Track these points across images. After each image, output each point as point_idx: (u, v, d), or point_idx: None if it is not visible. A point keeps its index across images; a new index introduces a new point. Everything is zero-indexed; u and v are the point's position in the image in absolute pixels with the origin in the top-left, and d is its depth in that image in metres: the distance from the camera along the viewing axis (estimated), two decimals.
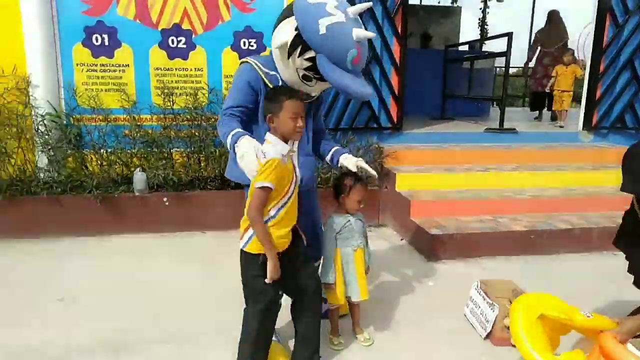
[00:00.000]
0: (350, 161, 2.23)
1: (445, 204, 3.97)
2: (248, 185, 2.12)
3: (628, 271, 2.18)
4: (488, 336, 2.39)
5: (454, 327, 2.55)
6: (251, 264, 1.89)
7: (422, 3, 10.95)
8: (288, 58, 1.99)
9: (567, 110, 6.21)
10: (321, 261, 2.34)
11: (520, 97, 12.39)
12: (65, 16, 4.01)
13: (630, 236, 2.11)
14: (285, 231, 1.91)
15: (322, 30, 1.86)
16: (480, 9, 11.57)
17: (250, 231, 1.88)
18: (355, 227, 2.24)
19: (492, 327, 2.35)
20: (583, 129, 5.42)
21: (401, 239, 4.00)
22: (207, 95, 4.26)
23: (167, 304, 2.77)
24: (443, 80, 6.73)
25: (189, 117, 4.18)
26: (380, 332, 2.48)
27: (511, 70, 7.63)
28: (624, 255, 2.20)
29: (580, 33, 7.33)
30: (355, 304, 2.33)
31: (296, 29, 1.92)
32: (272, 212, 1.87)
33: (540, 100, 7.27)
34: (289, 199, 1.90)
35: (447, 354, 2.32)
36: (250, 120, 2.12)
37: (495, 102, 8.59)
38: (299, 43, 1.92)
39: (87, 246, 3.71)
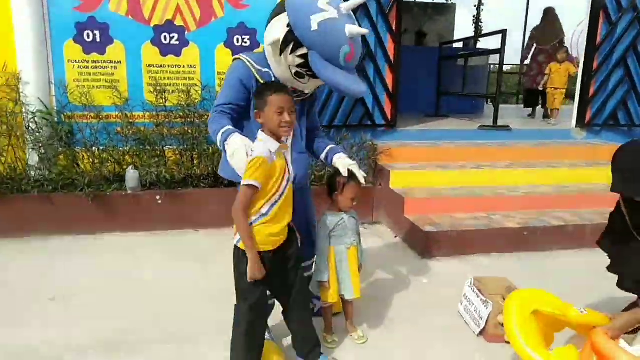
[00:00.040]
0: (342, 162, 2.20)
1: (439, 201, 3.97)
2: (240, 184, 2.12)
3: (610, 270, 2.17)
4: (481, 333, 2.40)
5: (448, 324, 2.55)
6: (242, 260, 1.88)
7: (417, 0, 10.92)
8: (280, 55, 1.96)
9: (558, 109, 6.22)
10: (314, 259, 2.33)
11: (514, 95, 12.44)
12: (56, 12, 3.96)
13: (617, 234, 2.11)
14: (279, 229, 1.90)
15: (314, 27, 1.83)
16: (475, 6, 11.58)
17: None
18: (349, 225, 2.23)
19: (486, 324, 2.36)
20: (576, 126, 5.44)
21: (395, 236, 4.00)
22: (200, 92, 4.23)
23: (164, 303, 2.75)
24: (437, 78, 6.73)
25: (181, 114, 4.15)
26: (374, 329, 2.47)
27: (505, 68, 7.63)
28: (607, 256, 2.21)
29: (574, 31, 7.35)
30: (348, 302, 2.32)
31: (288, 25, 1.89)
32: (264, 210, 1.85)
33: (534, 98, 7.30)
34: (281, 196, 1.88)
35: (441, 351, 2.32)
36: (242, 117, 2.10)
37: (489, 100, 8.62)
38: (291, 40, 1.90)
39: (79, 245, 3.67)
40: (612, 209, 2.19)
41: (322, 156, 2.33)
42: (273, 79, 2.06)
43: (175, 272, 3.18)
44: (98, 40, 4.07)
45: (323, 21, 1.84)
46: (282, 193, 1.89)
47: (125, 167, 4.06)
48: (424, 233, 3.51)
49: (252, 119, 2.08)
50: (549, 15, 6.99)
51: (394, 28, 4.64)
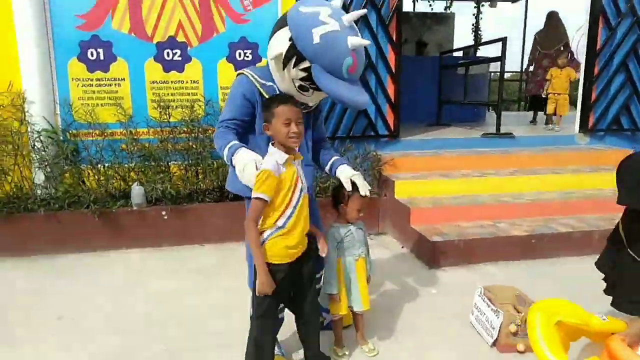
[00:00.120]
0: (345, 174, 2.19)
1: (444, 210, 3.96)
2: (249, 198, 2.12)
3: (607, 293, 2.15)
4: (494, 343, 2.37)
5: (459, 335, 2.53)
6: (255, 272, 1.89)
7: (416, 10, 11.01)
8: (283, 69, 1.96)
9: (561, 116, 6.20)
10: (322, 271, 2.32)
11: (515, 102, 12.46)
12: (60, 32, 4.01)
13: (614, 252, 2.09)
14: (295, 241, 1.90)
15: (316, 40, 1.84)
16: (474, 14, 11.65)
17: (262, 238, 1.88)
18: (357, 236, 2.22)
19: (498, 333, 2.33)
20: (579, 131, 5.44)
21: (402, 247, 3.98)
22: (203, 107, 4.25)
23: (170, 318, 2.73)
24: (438, 87, 6.75)
25: (185, 129, 4.17)
26: (385, 341, 2.45)
27: (505, 75, 7.62)
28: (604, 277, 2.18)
29: (573, 36, 7.32)
30: (358, 314, 2.30)
31: (290, 39, 1.90)
32: (279, 223, 1.86)
33: (538, 103, 7.23)
34: (295, 207, 1.88)
35: None
36: (247, 131, 2.11)
37: (490, 107, 8.62)
38: (294, 53, 1.90)
39: (85, 262, 3.67)
40: (619, 214, 2.17)
41: (327, 168, 2.33)
42: (277, 93, 2.07)
43: (182, 288, 3.17)
44: (102, 58, 4.11)
45: (325, 34, 1.84)
46: (297, 204, 1.89)
47: (130, 183, 4.07)
48: (431, 243, 3.49)
49: (257, 132, 2.09)
50: (552, 19, 6.92)
51: (394, 38, 4.67)
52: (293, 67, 1.93)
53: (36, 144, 3.96)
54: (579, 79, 5.61)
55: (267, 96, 2.05)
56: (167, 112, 4.18)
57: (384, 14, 4.58)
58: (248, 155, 1.90)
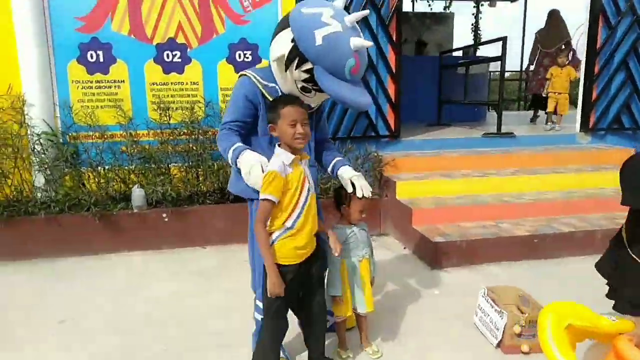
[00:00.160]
0: (345, 176, 2.18)
1: (446, 210, 3.94)
2: (251, 199, 2.12)
3: (608, 296, 2.13)
4: (499, 344, 2.36)
5: (462, 336, 2.52)
6: (264, 273, 1.91)
7: (415, 10, 11.00)
8: (286, 70, 1.95)
9: (562, 115, 6.17)
10: (326, 273, 2.31)
11: (515, 101, 12.45)
12: (60, 34, 3.99)
13: (615, 254, 2.07)
14: (304, 241, 1.90)
15: (319, 41, 1.82)
16: (473, 14, 11.65)
17: (271, 239, 1.88)
18: (360, 237, 2.21)
19: (502, 334, 2.32)
20: (580, 130, 5.43)
21: (404, 248, 3.97)
22: (203, 108, 4.24)
23: (170, 319, 2.73)
24: (438, 87, 6.74)
25: (186, 131, 4.16)
26: (388, 343, 2.44)
27: (505, 75, 7.59)
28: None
29: (573, 33, 7.25)
30: (362, 316, 2.29)
31: (292, 40, 1.88)
32: (288, 223, 1.87)
33: (539, 102, 7.17)
34: (303, 207, 1.88)
35: None
36: (250, 133, 2.10)
37: (489, 107, 8.60)
38: (296, 55, 1.89)
39: (86, 265, 3.66)
40: (621, 213, 2.15)
41: (329, 169, 2.32)
42: (280, 94, 2.06)
43: (182, 290, 3.15)
44: (101, 60, 4.09)
45: (327, 35, 1.83)
46: (304, 204, 1.89)
47: (130, 185, 4.06)
48: (433, 244, 3.48)
49: (259, 134, 2.09)
50: (553, 17, 6.87)
51: (394, 38, 4.66)
52: (295, 69, 1.92)
53: (36, 146, 3.94)
54: (579, 79, 5.60)
55: (269, 97, 2.04)
56: (167, 114, 4.17)
57: (383, 14, 4.57)
58: (253, 157, 1.90)
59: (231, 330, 2.56)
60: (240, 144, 1.98)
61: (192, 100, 4.27)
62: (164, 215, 3.95)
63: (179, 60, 4.22)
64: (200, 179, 4.20)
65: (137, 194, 3.92)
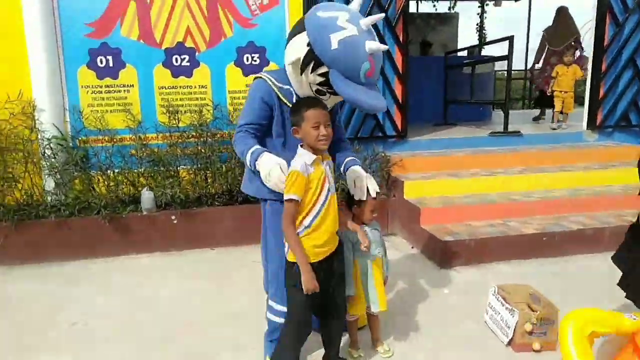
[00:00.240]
0: (350, 177, 2.19)
1: (454, 210, 3.95)
2: (264, 200, 2.14)
3: (620, 285, 2.13)
4: (510, 343, 2.36)
5: (473, 334, 2.52)
6: (289, 272, 1.95)
7: (419, 11, 11.01)
8: (301, 74, 1.97)
9: (567, 114, 6.14)
10: None
11: (519, 100, 12.41)
12: (70, 40, 4.04)
13: (631, 246, 2.07)
14: (322, 240, 1.93)
15: (335, 45, 1.83)
16: (478, 14, 11.63)
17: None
18: (372, 237, 2.22)
19: (513, 333, 2.32)
20: (587, 128, 5.41)
21: (412, 247, 3.98)
22: (212, 111, 4.27)
23: (182, 323, 2.74)
24: (444, 87, 6.74)
25: (194, 134, 4.20)
26: (400, 342, 2.45)
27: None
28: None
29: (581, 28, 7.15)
30: (374, 315, 2.30)
31: (308, 44, 1.90)
32: (306, 222, 1.90)
33: (546, 100, 7.10)
34: (322, 206, 1.91)
35: None
36: (265, 135, 2.12)
37: (494, 106, 8.57)
38: (312, 59, 1.90)
39: (96, 268, 3.69)
40: (630, 210, 2.16)
41: (341, 168, 2.33)
42: (294, 96, 2.08)
43: (193, 292, 3.18)
44: (111, 65, 4.14)
45: (343, 39, 1.84)
46: (324, 203, 1.92)
47: (140, 188, 4.09)
48: (442, 243, 3.48)
49: (274, 136, 2.11)
50: (561, 14, 6.79)
51: (401, 39, 4.67)
52: (311, 73, 1.94)
53: (46, 151, 3.99)
54: (584, 79, 5.57)
55: (284, 99, 2.07)
56: (176, 117, 4.20)
57: (390, 16, 4.59)
58: (272, 160, 1.93)
59: (244, 332, 2.58)
60: (258, 146, 2.00)
61: (200, 103, 4.30)
62: (173, 217, 3.98)
63: (188, 64, 4.25)
64: (209, 181, 4.23)
65: (147, 197, 3.95)
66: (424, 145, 5.06)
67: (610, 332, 1.78)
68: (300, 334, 2.01)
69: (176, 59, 4.22)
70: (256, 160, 1.95)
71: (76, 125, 4.13)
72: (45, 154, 3.99)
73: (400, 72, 4.73)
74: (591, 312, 1.82)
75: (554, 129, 5.86)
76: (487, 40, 11.53)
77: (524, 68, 11.07)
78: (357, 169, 2.22)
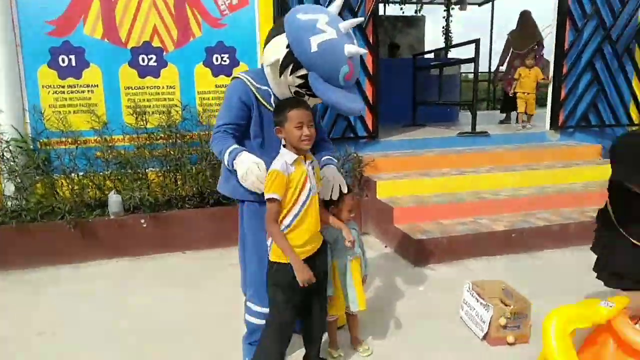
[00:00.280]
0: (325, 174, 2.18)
1: (426, 209, 4.00)
2: (241, 201, 2.11)
3: (595, 270, 2.20)
4: (485, 337, 2.41)
5: (450, 330, 2.56)
6: (269, 271, 1.96)
7: (387, 13, 11.14)
8: (280, 76, 1.96)
9: (532, 115, 6.32)
10: None
11: (484, 101, 12.73)
12: (29, 38, 3.87)
13: (604, 233, 2.14)
14: (302, 240, 1.92)
15: (314, 48, 1.83)
16: (444, 17, 11.87)
17: (269, 239, 1.94)
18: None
19: (488, 327, 2.37)
20: (550, 128, 5.60)
21: (385, 246, 4.01)
22: (180, 112, 4.18)
23: (156, 330, 2.66)
24: (413, 88, 6.84)
25: (162, 135, 4.09)
26: (379, 340, 2.46)
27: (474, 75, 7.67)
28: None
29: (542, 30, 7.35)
30: (353, 314, 2.29)
31: (287, 46, 1.89)
32: (286, 221, 1.90)
33: (511, 103, 7.25)
34: (302, 206, 1.90)
35: (445, 356, 2.32)
36: (244, 136, 2.09)
37: (461, 107, 8.75)
38: (291, 61, 1.89)
39: (62, 275, 3.54)
40: (591, 207, 2.23)
41: None
42: (272, 97, 2.07)
43: (166, 297, 3.09)
44: (73, 64, 3.98)
45: (322, 42, 1.83)
46: (304, 203, 1.90)
47: (106, 192, 3.96)
48: (415, 241, 3.52)
49: (251, 137, 2.08)
50: (524, 18, 6.95)
51: (371, 41, 4.71)
52: (290, 74, 1.93)
53: (5, 153, 3.81)
54: (546, 82, 5.75)
55: (262, 100, 2.05)
56: (144, 118, 4.09)
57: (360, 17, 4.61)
58: (250, 159, 1.91)
59: (221, 336, 2.52)
60: (236, 145, 1.98)
61: (168, 104, 4.20)
62: (142, 221, 3.87)
63: (155, 64, 4.15)
64: (179, 183, 4.14)
65: (114, 200, 3.83)
66: (395, 146, 5.11)
67: (590, 325, 1.82)
68: (282, 336, 1.98)
69: (143, 58, 4.11)
70: (234, 160, 1.93)
71: (37, 126, 3.96)
72: (4, 157, 3.81)
73: (371, 73, 4.77)
74: (572, 310, 1.86)
75: (519, 129, 6.03)
76: (453, 42, 11.77)
77: (487, 70, 11.34)
78: (328, 169, 2.20)
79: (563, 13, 5.24)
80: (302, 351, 2.21)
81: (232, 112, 2.04)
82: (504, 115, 7.51)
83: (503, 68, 7.44)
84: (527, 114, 6.27)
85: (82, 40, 3.97)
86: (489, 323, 2.36)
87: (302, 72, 1.90)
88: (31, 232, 3.67)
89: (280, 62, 1.91)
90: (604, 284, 2.14)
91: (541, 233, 3.79)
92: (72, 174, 3.94)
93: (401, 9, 11.61)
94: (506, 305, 2.41)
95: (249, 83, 2.05)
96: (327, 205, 2.22)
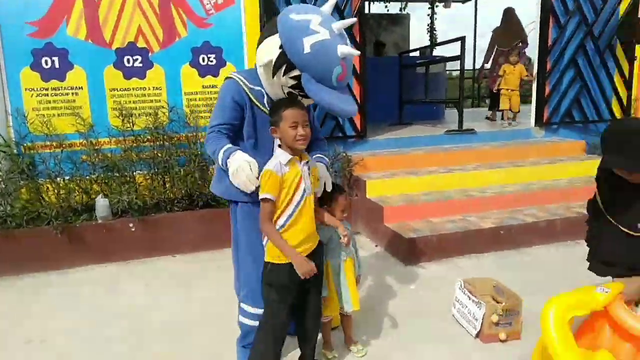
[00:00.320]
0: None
1: (415, 207, 4.02)
2: (235, 202, 2.10)
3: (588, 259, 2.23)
4: (478, 334, 2.43)
5: (442, 328, 2.58)
6: (264, 272, 1.96)
7: (371, 12, 11.15)
8: (273, 77, 1.95)
9: (517, 112, 6.39)
10: None
11: (469, 99, 12.84)
12: (10, 39, 3.79)
13: (594, 223, 2.16)
14: (297, 241, 1.92)
15: (307, 49, 1.82)
16: (428, 15, 11.94)
17: (265, 239, 1.94)
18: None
19: (481, 324, 2.39)
20: (535, 125, 5.67)
21: (375, 245, 4.02)
22: (167, 114, 4.13)
23: (149, 335, 2.63)
24: (399, 86, 6.85)
25: (150, 137, 4.05)
26: (371, 339, 2.47)
27: (458, 73, 7.69)
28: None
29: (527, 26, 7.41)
30: (347, 315, 2.30)
31: (280, 47, 1.88)
32: (280, 222, 1.90)
33: (497, 100, 7.28)
34: (296, 207, 1.90)
35: (439, 354, 2.34)
36: (237, 136, 2.08)
37: (447, 105, 8.81)
38: (284, 62, 1.88)
39: (51, 281, 3.49)
40: (577, 202, 2.24)
41: None
42: (265, 97, 2.06)
43: (158, 301, 3.06)
44: (57, 66, 3.91)
45: (315, 43, 1.83)
46: (298, 204, 1.90)
47: (93, 196, 3.90)
48: (406, 240, 3.54)
49: (245, 138, 2.07)
50: (508, 15, 7.00)
51: (357, 40, 4.71)
52: (283, 75, 1.92)
53: None
54: (530, 79, 5.81)
55: (255, 101, 2.04)
56: (130, 121, 4.03)
57: (346, 16, 4.61)
58: (242, 158, 1.90)
59: (215, 340, 2.51)
60: (230, 145, 1.97)
61: (155, 105, 4.15)
62: (131, 224, 3.83)
63: (140, 65, 4.09)
64: (167, 185, 4.09)
65: (101, 204, 3.78)
66: (383, 145, 5.13)
67: (587, 312, 1.84)
68: (276, 337, 1.97)
69: (128, 59, 4.05)
70: (228, 159, 1.92)
71: (20, 130, 3.89)
72: None
73: (358, 72, 4.77)
74: (570, 297, 1.87)
75: (505, 126, 6.09)
76: (438, 40, 11.84)
77: (472, 68, 11.44)
78: (321, 167, 2.20)
79: (546, 10, 5.31)
80: (297, 352, 2.21)
81: (225, 113, 2.03)
82: (490, 112, 7.57)
83: (488, 65, 7.50)
84: (512, 111, 6.34)
85: (66, 42, 3.90)
86: (482, 320, 2.38)
87: (295, 72, 1.89)
88: (17, 239, 3.60)
89: (273, 63, 1.91)
90: (596, 274, 2.17)
91: (529, 229, 3.84)
92: (58, 178, 3.88)
93: (386, 6, 11.64)
94: (498, 303, 2.44)
95: (241, 83, 2.04)
96: (321, 205, 2.23)
